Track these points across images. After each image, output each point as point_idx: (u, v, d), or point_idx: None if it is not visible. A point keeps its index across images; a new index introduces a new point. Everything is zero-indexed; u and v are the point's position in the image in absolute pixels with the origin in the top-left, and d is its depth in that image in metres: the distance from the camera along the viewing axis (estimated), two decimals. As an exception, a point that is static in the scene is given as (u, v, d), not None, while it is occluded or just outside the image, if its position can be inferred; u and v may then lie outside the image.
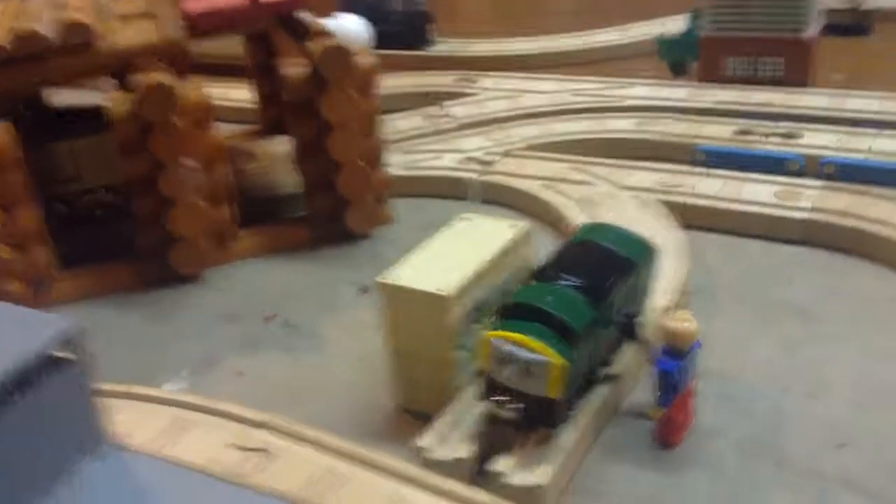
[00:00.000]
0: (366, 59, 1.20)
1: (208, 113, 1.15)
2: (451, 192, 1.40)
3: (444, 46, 2.09)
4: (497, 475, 0.78)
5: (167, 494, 0.66)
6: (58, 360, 0.63)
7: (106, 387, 0.92)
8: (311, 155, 1.22)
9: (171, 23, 1.19)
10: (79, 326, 0.63)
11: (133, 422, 0.86)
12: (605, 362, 0.89)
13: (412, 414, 0.91)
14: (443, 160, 1.46)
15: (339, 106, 1.16)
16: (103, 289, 1.19)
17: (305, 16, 1.28)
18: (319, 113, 1.17)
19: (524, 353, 0.76)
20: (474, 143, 1.50)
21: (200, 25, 1.19)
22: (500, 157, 1.44)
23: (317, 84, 1.16)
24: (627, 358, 0.91)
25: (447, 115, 1.63)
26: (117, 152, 1.13)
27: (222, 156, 1.18)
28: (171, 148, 1.10)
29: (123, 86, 1.13)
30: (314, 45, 1.14)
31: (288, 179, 1.38)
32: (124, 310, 1.16)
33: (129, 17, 1.27)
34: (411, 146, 1.52)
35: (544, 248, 0.91)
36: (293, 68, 1.18)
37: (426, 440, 0.82)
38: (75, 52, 1.11)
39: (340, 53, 1.14)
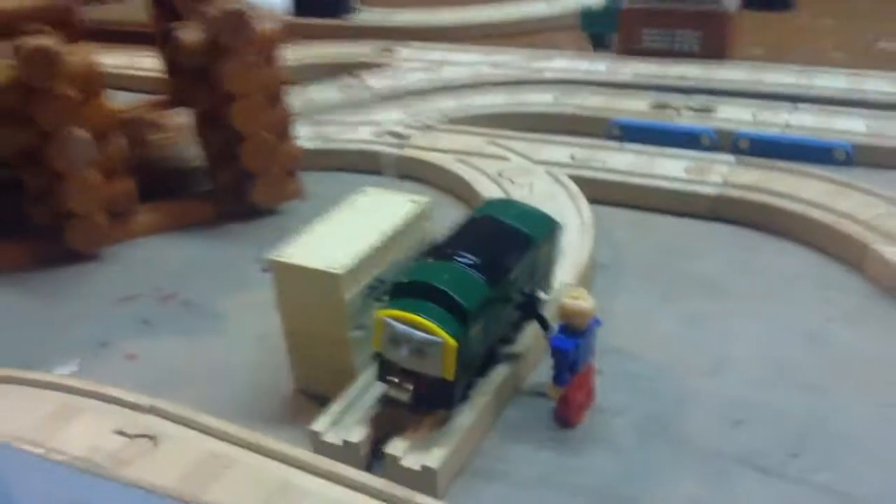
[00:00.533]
0: (269, 25, 1.15)
1: (98, 80, 1.09)
2: (366, 166, 1.36)
3: (366, 15, 2.04)
4: (390, 458, 0.75)
5: (21, 486, 0.62)
6: None
7: (-1, 371, 0.88)
8: (212, 126, 1.18)
9: (60, -15, 1.13)
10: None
11: (19, 407, 0.82)
12: (507, 340, 0.88)
13: (311, 396, 0.88)
14: (358, 133, 1.42)
15: (239, 74, 1.11)
16: (-7, 268, 1.13)
17: (208, -20, 1.22)
18: (218, 82, 1.12)
19: (417, 334, 0.74)
20: (391, 116, 1.47)
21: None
22: (416, 131, 1.40)
23: (215, 51, 1.11)
24: (529, 336, 0.89)
25: (365, 87, 1.58)
26: (1, 122, 1.07)
27: (115, 126, 1.12)
28: (58, 117, 1.04)
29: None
30: (211, 9, 1.09)
31: (194, 152, 1.32)
32: (15, 290, 1.10)
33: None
34: (326, 118, 1.48)
35: (454, 223, 0.89)
36: (189, 34, 1.12)
37: (320, 424, 0.79)
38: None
39: (238, 18, 1.09)
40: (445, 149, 1.34)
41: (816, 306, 0.97)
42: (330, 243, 0.84)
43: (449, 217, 1.01)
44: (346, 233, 0.86)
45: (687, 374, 0.88)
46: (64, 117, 1.04)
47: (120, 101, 1.50)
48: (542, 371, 0.89)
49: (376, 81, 1.60)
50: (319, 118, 1.47)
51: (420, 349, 0.74)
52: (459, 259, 0.79)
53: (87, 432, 0.79)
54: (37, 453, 0.72)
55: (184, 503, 0.66)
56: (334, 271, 0.80)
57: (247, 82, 1.12)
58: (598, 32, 1.72)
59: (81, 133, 1.06)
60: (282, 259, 0.83)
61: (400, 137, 1.39)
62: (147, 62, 1.77)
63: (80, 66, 1.06)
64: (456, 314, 0.75)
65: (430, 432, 0.78)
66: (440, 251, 0.82)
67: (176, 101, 1.52)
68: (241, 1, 1.15)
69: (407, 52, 1.75)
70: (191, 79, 1.17)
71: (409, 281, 0.78)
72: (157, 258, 1.16)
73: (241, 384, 0.91)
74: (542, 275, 0.89)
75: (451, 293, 0.75)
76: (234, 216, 1.23)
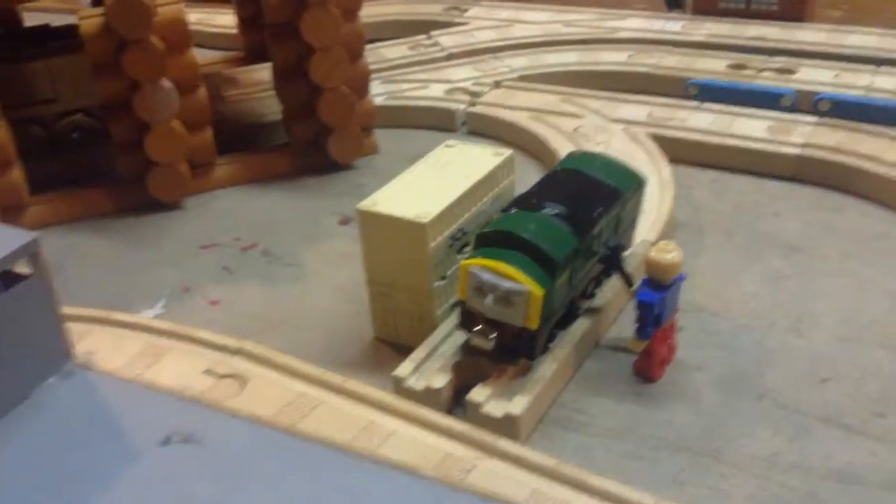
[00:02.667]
0: (350, -20, 1.15)
1: (185, 32, 1.10)
2: (437, 123, 1.36)
3: (435, -26, 2.02)
4: (473, 404, 0.76)
5: (132, 415, 0.65)
6: (18, 275, 0.61)
7: (81, 311, 0.91)
8: (292, 80, 1.19)
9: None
10: (38, 242, 0.61)
11: (107, 347, 0.85)
12: (588, 294, 0.88)
13: (391, 345, 0.89)
14: (429, 90, 1.42)
15: (321, 27, 1.12)
16: (78, 213, 1.16)
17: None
18: (300, 35, 1.13)
19: (503, 282, 0.75)
20: (462, 74, 1.46)
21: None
22: (488, 88, 1.40)
23: (298, 3, 1.11)
24: (609, 291, 0.89)
25: (435, 44, 1.58)
26: (91, 71, 1.09)
27: (200, 79, 1.14)
28: (147, 67, 1.06)
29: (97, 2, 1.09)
30: (295, -37, 1.10)
31: (271, 107, 1.34)
32: (100, 235, 1.13)
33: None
34: (397, 76, 1.48)
35: (531, 180, 0.88)
36: (274, -14, 1.13)
37: (402, 370, 0.80)
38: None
39: (323, -29, 1.09)
40: (518, 106, 1.33)
41: (901, 268, 0.95)
42: (415, 193, 0.85)
43: (523, 174, 1.01)
44: (431, 184, 0.87)
45: (769, 331, 0.87)
46: (152, 68, 1.06)
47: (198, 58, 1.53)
48: (621, 326, 0.89)
49: (447, 40, 1.60)
50: (391, 76, 1.47)
51: (505, 298, 0.75)
52: (546, 209, 0.80)
53: (176, 372, 0.81)
54: (137, 384, 0.74)
55: (282, 433, 0.68)
56: (421, 220, 0.81)
57: (329, 35, 1.13)
58: (673, -9, 1.68)
59: (168, 84, 1.08)
60: (369, 208, 0.84)
61: (472, 94, 1.39)
62: (221, 19, 1.79)
63: (169, 17, 1.08)
64: (542, 264, 0.75)
65: (512, 381, 0.79)
66: (526, 202, 0.82)
67: (251, 58, 1.54)
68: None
69: (476, 11, 1.74)
70: (272, 33, 1.18)
71: (495, 230, 0.78)
72: (235, 209, 1.18)
73: (321, 331, 0.93)
74: (625, 229, 0.89)
75: (538, 243, 0.76)
76: (310, 170, 1.25)
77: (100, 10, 1.06)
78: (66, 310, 0.88)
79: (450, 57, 1.54)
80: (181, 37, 1.10)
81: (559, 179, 0.87)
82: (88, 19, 1.06)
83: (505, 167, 0.92)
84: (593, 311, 0.87)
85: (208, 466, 0.61)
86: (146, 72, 1.07)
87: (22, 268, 0.60)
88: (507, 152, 0.92)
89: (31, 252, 0.59)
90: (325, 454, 0.64)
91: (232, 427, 0.66)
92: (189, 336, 0.86)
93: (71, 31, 1.30)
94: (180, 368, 0.81)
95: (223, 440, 0.64)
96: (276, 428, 0.69)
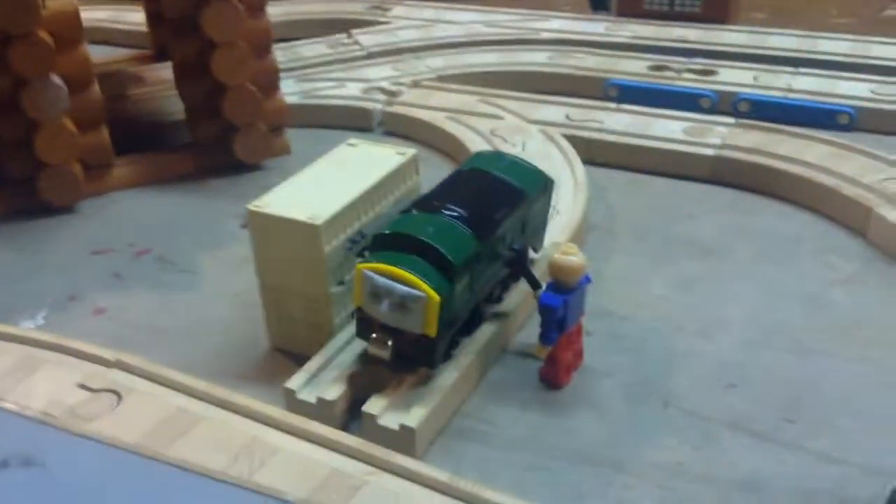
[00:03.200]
0: (254, -27, 1.10)
1: (76, 26, 1.04)
2: (353, 122, 1.32)
3: (359, -26, 1.98)
4: (368, 416, 0.72)
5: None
6: None
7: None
8: (194, 77, 1.13)
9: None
10: None
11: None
12: (495, 299, 0.84)
13: (288, 355, 0.84)
14: (346, 89, 1.38)
15: (224, 21, 1.07)
16: (-38, 219, 1.09)
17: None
18: (202, 30, 1.07)
19: (399, 287, 0.70)
20: (381, 73, 1.42)
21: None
22: (406, 88, 1.36)
23: (198, -2, 1.06)
24: (517, 295, 0.85)
25: (355, 43, 1.54)
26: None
27: (92, 77, 1.08)
28: (34, 62, 1.00)
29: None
30: (194, -46, 1.05)
31: (176, 106, 1.28)
32: (-16, 241, 1.06)
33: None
34: (313, 74, 1.43)
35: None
36: (172, -20, 1.08)
37: (294, 381, 0.76)
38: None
39: (222, -38, 1.04)
40: (436, 106, 1.30)
41: (816, 270, 0.94)
42: (311, 194, 0.81)
43: (437, 175, 0.97)
44: (328, 184, 0.83)
45: (678, 336, 0.85)
46: (40, 63, 1.00)
47: (102, 55, 1.46)
48: (529, 332, 0.85)
49: (367, 39, 1.55)
50: (307, 74, 1.43)
51: (401, 304, 0.71)
52: (446, 211, 0.76)
53: (49, 386, 0.75)
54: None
55: (145, 459, 0.62)
56: (314, 222, 0.76)
57: (231, 30, 1.07)
58: (597, -7, 1.67)
59: (57, 80, 1.02)
60: (259, 209, 0.79)
61: (389, 94, 1.35)
62: (131, 16, 1.72)
63: (58, 10, 1.01)
64: (440, 268, 0.71)
65: (411, 391, 0.74)
66: (426, 203, 0.78)
67: (159, 56, 1.48)
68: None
69: (400, 10, 1.70)
70: (172, 29, 1.12)
71: (391, 233, 0.74)
72: (132, 212, 1.12)
73: (214, 341, 0.87)
74: (532, 232, 0.86)
75: (435, 245, 0.72)
76: (215, 171, 1.19)
77: (-19, 2, 1.00)
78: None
79: (369, 56, 1.50)
80: (72, 31, 1.04)
81: (463, 180, 0.83)
82: (-31, 12, 0.99)
83: (409, 167, 0.88)
84: (500, 316, 0.83)
85: (47, 493, 0.55)
86: (34, 67, 1.01)
87: None
88: (410, 152, 0.88)
89: None
90: (187, 482, 0.59)
91: (82, 450, 0.60)
92: (65, 347, 0.80)
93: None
94: (53, 382, 0.76)
95: (69, 465, 0.58)
96: (139, 454, 0.63)
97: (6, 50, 1.00)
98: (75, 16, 1.05)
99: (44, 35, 1.01)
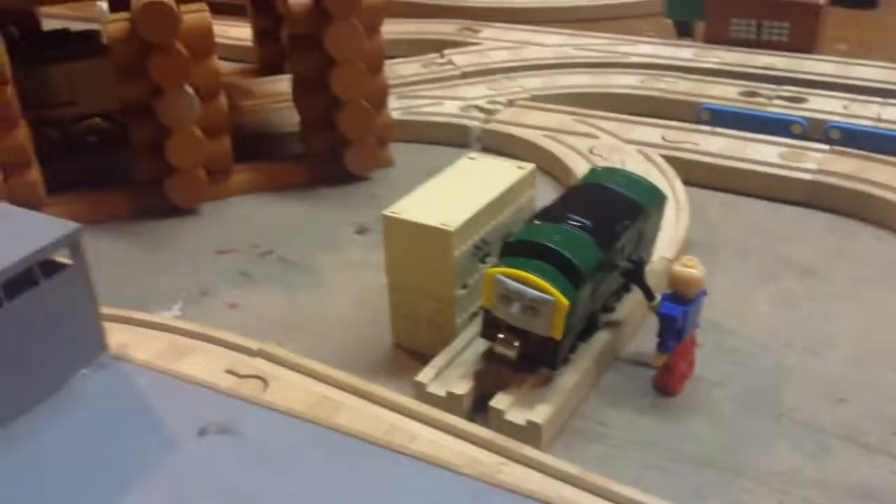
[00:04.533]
0: (374, -5, 1.16)
1: (209, 38, 1.11)
2: (451, 138, 1.37)
3: (446, -5, 2.05)
4: (496, 411, 0.77)
5: (168, 406, 0.65)
6: (58, 264, 0.61)
7: (102, 310, 0.91)
8: (311, 92, 1.20)
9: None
10: (80, 232, 0.61)
11: (131, 344, 0.84)
12: (608, 308, 0.88)
13: (409, 352, 0.90)
14: (444, 107, 1.44)
15: (345, 40, 1.13)
16: (95, 216, 1.16)
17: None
18: (322, 47, 1.14)
19: (530, 291, 0.75)
20: (476, 92, 1.48)
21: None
22: (502, 107, 1.41)
23: (321, 16, 1.13)
24: (629, 305, 0.90)
25: (449, 63, 1.60)
26: (115, 75, 1.10)
27: (220, 86, 1.15)
28: (171, 72, 1.07)
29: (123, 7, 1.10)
30: (320, -25, 1.11)
31: (284, 119, 1.35)
32: (116, 238, 1.13)
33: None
34: (411, 92, 1.49)
35: (546, 197, 0.89)
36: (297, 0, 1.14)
37: (424, 375, 0.81)
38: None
39: (348, -16, 1.10)
40: (532, 125, 1.35)
41: (917, 293, 0.96)
42: (439, 202, 0.86)
43: (539, 191, 1.02)
44: (454, 194, 0.88)
45: (786, 351, 0.88)
46: (176, 74, 1.07)
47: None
48: (639, 341, 0.89)
49: (460, 59, 1.61)
50: (406, 92, 1.49)
51: (531, 307, 0.75)
52: (570, 221, 0.80)
53: (199, 370, 0.81)
54: (172, 376, 0.74)
55: (319, 426, 0.67)
56: (446, 228, 0.82)
57: (351, 49, 1.14)
58: (683, 20, 1.71)
59: (191, 90, 1.09)
60: (394, 214, 0.84)
61: (486, 112, 1.40)
62: (235, 31, 1.80)
63: (194, 24, 1.09)
64: (568, 274, 0.76)
65: (533, 390, 0.79)
66: (550, 214, 0.83)
67: (265, 70, 1.55)
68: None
69: (489, 32, 1.76)
70: (293, 44, 1.19)
71: (521, 240, 0.79)
72: (252, 216, 1.18)
73: (340, 337, 0.93)
74: (645, 244, 0.90)
75: (565, 253, 0.76)
76: (325, 181, 1.25)
77: (126, 14, 1.07)
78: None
79: (463, 75, 1.55)
80: (205, 44, 1.11)
81: (582, 193, 0.88)
82: (115, 23, 1.07)
83: (526, 181, 0.93)
84: (613, 325, 0.87)
85: (246, 457, 0.61)
86: (170, 77, 1.08)
87: (62, 258, 0.60)
88: (529, 166, 0.94)
89: (72, 242, 0.60)
90: (361, 448, 0.64)
91: (267, 419, 0.66)
92: (209, 336, 0.86)
93: (89, 36, 1.31)
94: (202, 368, 0.81)
95: (260, 432, 0.64)
96: (312, 421, 0.68)
97: (146, 59, 1.07)
98: (209, 30, 1.12)
99: (180, 47, 1.08)
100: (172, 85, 1.08)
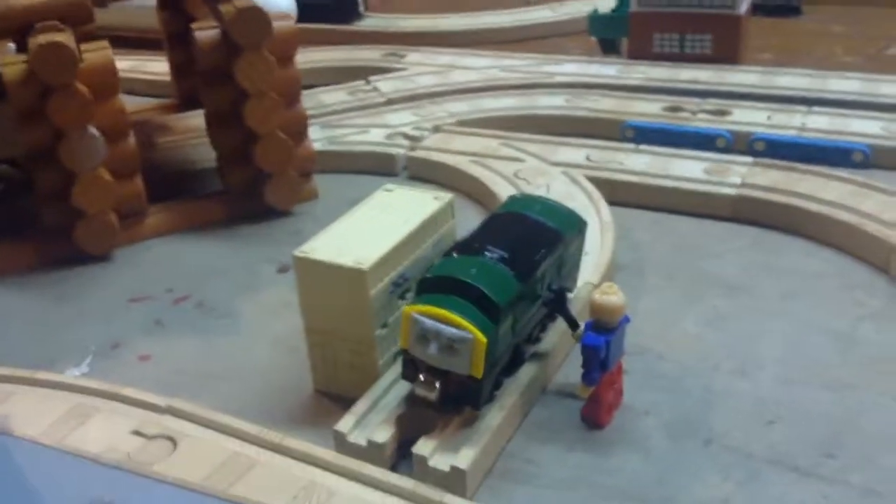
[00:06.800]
0: (284, 24, 1.13)
1: (113, 78, 1.07)
2: (378, 167, 1.35)
3: (373, 21, 2.03)
4: (419, 458, 0.73)
5: (51, 483, 0.60)
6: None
7: (5, 372, 0.86)
8: (226, 126, 1.16)
9: (73, -17, 1.11)
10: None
11: (33, 408, 0.81)
12: (534, 339, 0.86)
13: (332, 398, 0.86)
14: (369, 135, 1.41)
15: (256, 72, 1.10)
16: (2, 269, 1.11)
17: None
18: (234, 80, 1.10)
19: (447, 329, 0.72)
20: (402, 119, 1.45)
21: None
22: (428, 133, 1.39)
23: (231, 48, 1.09)
24: (556, 334, 0.87)
25: (374, 90, 1.57)
26: (14, 119, 1.05)
27: (128, 126, 1.10)
28: (72, 114, 1.03)
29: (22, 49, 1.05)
30: (227, 7, 1.08)
31: (203, 154, 1.31)
32: (23, 291, 1.08)
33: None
34: (336, 121, 1.46)
35: (472, 224, 0.87)
36: (205, 31, 1.11)
37: (343, 424, 0.77)
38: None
39: (255, 15, 1.07)
40: (458, 150, 1.32)
41: (843, 306, 0.96)
42: (354, 239, 0.83)
43: (464, 218, 1.00)
44: (369, 229, 0.85)
45: (715, 374, 0.86)
46: (78, 115, 1.03)
47: (127, 104, 1.49)
48: (568, 371, 0.87)
49: (386, 85, 1.59)
50: (330, 121, 1.46)
51: (449, 345, 0.73)
52: (487, 253, 0.78)
53: (103, 433, 0.77)
54: (58, 450, 0.70)
55: (212, 498, 0.64)
56: (360, 267, 0.78)
57: (263, 80, 1.10)
58: (607, 37, 1.71)
59: (94, 131, 1.04)
60: (306, 255, 0.81)
61: (411, 139, 1.38)
62: (153, 66, 1.75)
63: (95, 63, 1.04)
64: (486, 309, 0.73)
65: (458, 432, 0.76)
66: (467, 246, 0.80)
67: (184, 105, 1.51)
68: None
69: (416, 57, 1.74)
70: (204, 79, 1.15)
71: (436, 276, 0.76)
72: (168, 259, 1.14)
73: (258, 385, 0.89)
74: (568, 272, 0.88)
75: (480, 287, 0.73)
76: (246, 217, 1.21)
77: (23, 56, 1.02)
78: (-15, 370, 0.83)
79: (389, 102, 1.53)
80: (109, 83, 1.07)
81: (500, 223, 0.85)
82: (11, 66, 1.02)
83: (445, 211, 0.90)
84: (539, 357, 0.85)
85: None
86: (71, 119, 1.03)
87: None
88: (447, 196, 0.91)
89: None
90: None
91: (158, 494, 0.61)
92: (116, 394, 0.81)
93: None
94: (107, 430, 0.77)
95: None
96: (209, 493, 0.65)
97: (45, 101, 1.03)
98: (111, 68, 1.07)
99: (81, 87, 1.03)
100: (75, 127, 1.04)
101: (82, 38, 1.08)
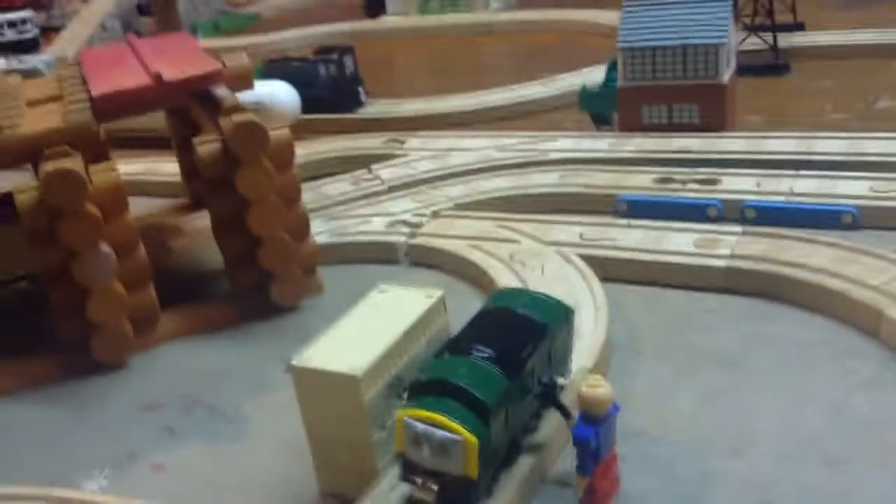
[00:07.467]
0: (280, 133, 1.19)
1: (122, 197, 1.12)
2: (380, 256, 1.39)
3: (374, 108, 2.10)
4: (419, 560, 0.76)
5: None
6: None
7: (23, 489, 0.90)
8: (231, 230, 1.21)
9: (79, 106, 1.18)
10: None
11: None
12: (530, 430, 0.88)
13: (338, 499, 0.88)
14: (371, 224, 1.46)
15: (255, 182, 1.15)
16: (21, 384, 1.15)
17: (220, 90, 1.27)
18: (236, 189, 1.16)
19: (437, 432, 0.75)
20: (402, 206, 1.50)
21: (102, 108, 1.17)
22: (427, 218, 1.43)
23: (230, 160, 1.15)
24: (553, 424, 0.89)
25: (376, 178, 1.63)
26: (27, 242, 1.10)
27: (137, 240, 1.16)
28: (83, 236, 1.08)
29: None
30: (225, 122, 1.14)
31: (214, 255, 1.36)
32: (42, 404, 1.12)
33: (36, 102, 1.26)
34: (340, 212, 1.52)
35: (473, 309, 0.90)
36: (205, 146, 1.16)
37: (346, 527, 0.80)
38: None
39: (252, 129, 1.13)
40: (456, 235, 1.37)
41: (835, 375, 0.97)
42: (348, 344, 0.86)
43: (465, 303, 1.03)
44: (363, 332, 0.88)
45: (710, 454, 0.88)
46: (89, 236, 1.08)
47: (140, 206, 1.55)
48: (567, 459, 0.89)
49: (387, 172, 1.64)
50: (334, 213, 1.51)
51: (441, 448, 0.75)
52: (475, 353, 0.81)
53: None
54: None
55: None
56: (353, 374, 0.82)
57: (262, 188, 1.15)
58: (598, 112, 1.76)
59: (106, 249, 1.09)
60: (301, 364, 0.85)
61: (411, 226, 1.42)
62: (166, 167, 1.82)
63: (104, 186, 1.10)
64: (475, 410, 0.76)
65: (457, 530, 0.78)
66: (456, 346, 0.83)
67: (196, 205, 1.57)
68: (253, 111, 1.20)
69: (414, 142, 1.80)
70: (207, 187, 1.20)
71: (426, 379, 0.79)
72: (181, 364, 1.18)
73: (267, 492, 0.92)
74: (559, 361, 0.91)
75: (469, 389, 0.77)
76: (256, 316, 1.25)
77: (35, 183, 1.08)
78: (2, 489, 0.87)
79: (390, 189, 1.58)
80: (117, 202, 1.12)
81: (488, 319, 0.88)
82: (24, 193, 1.08)
83: (437, 308, 0.93)
84: (536, 448, 0.87)
85: None
86: (83, 240, 1.08)
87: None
88: (437, 294, 0.94)
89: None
90: None
91: None
92: (129, 510, 0.84)
93: (5, 198, 1.32)
94: (121, 546, 0.80)
95: None
96: None
97: (56, 224, 1.08)
98: (119, 188, 1.13)
99: (91, 209, 1.09)
100: (87, 247, 1.09)
101: (92, 157, 1.15)
